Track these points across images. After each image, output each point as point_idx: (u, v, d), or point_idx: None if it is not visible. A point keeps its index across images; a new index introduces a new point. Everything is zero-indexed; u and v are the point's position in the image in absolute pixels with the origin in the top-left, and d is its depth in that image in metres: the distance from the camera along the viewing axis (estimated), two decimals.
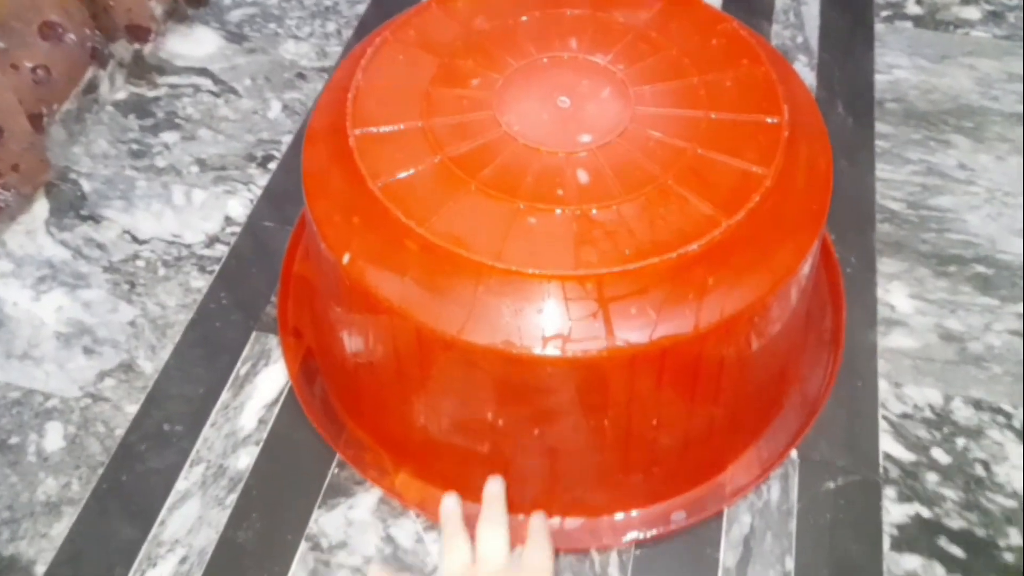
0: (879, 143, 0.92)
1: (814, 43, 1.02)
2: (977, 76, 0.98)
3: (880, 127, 0.93)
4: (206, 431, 0.72)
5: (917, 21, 1.05)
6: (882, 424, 0.71)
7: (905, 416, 0.72)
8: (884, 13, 1.06)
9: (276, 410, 0.73)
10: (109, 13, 0.94)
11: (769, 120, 0.60)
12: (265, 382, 0.75)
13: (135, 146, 0.93)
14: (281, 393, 0.74)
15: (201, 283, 0.81)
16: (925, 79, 0.98)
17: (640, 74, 0.63)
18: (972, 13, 1.05)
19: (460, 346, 0.53)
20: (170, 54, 1.02)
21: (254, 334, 0.78)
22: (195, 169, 0.91)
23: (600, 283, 0.52)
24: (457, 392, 0.59)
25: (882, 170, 0.90)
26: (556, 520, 0.65)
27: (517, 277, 0.52)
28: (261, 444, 0.71)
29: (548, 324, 0.52)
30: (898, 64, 1.00)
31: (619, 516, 0.66)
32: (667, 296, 0.53)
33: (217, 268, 0.83)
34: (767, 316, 0.57)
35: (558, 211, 0.55)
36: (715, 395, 0.60)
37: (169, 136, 0.94)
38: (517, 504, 0.61)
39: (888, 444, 0.70)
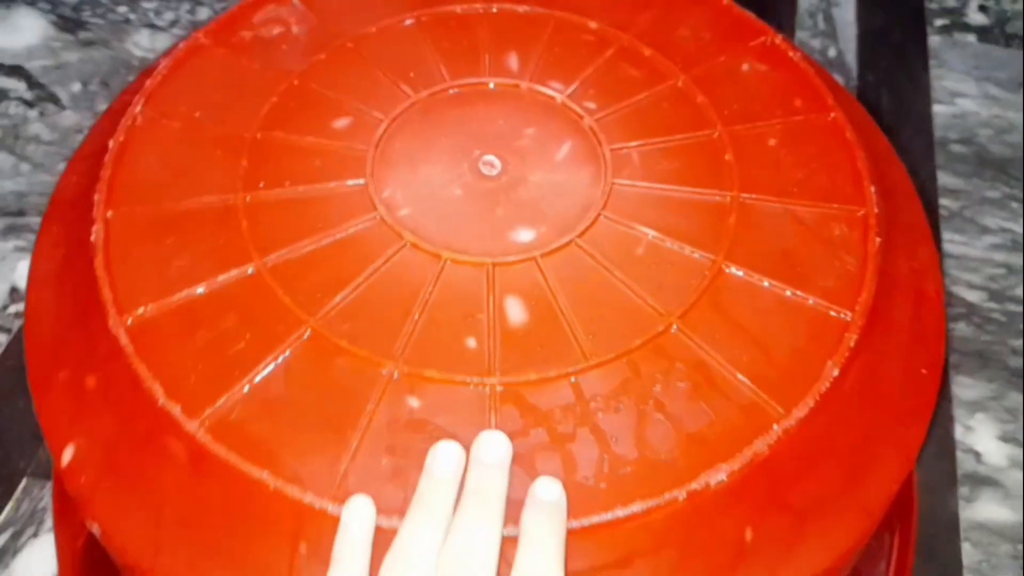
0: (944, 202, 0.67)
1: (851, 59, 0.78)
2: None
3: (945, 179, 0.69)
4: None
5: (982, 34, 0.80)
6: None
7: None
8: (939, 22, 0.81)
9: None
10: None
11: (850, 211, 0.35)
12: (31, 565, 0.48)
13: None
14: None
15: None
16: (999, 113, 0.74)
17: (623, 121, 0.37)
18: None
19: None
20: None
21: (25, 482, 0.51)
22: None
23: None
24: None
25: (951, 242, 0.65)
26: None
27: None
28: None
29: None
30: (962, 91, 0.75)
31: None
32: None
33: None
34: None
35: (468, 386, 0.29)
36: None
37: None
38: None
39: None
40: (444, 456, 0.27)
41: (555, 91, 0.38)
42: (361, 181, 0.35)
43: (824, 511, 0.30)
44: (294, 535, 0.27)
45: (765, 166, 0.36)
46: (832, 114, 0.37)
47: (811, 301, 0.32)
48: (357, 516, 0.27)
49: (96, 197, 0.33)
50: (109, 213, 0.33)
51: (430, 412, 0.29)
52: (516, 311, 0.32)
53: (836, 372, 0.30)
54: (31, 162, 0.67)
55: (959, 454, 0.55)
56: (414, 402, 0.29)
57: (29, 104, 0.70)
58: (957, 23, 0.82)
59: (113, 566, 0.41)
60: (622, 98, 0.38)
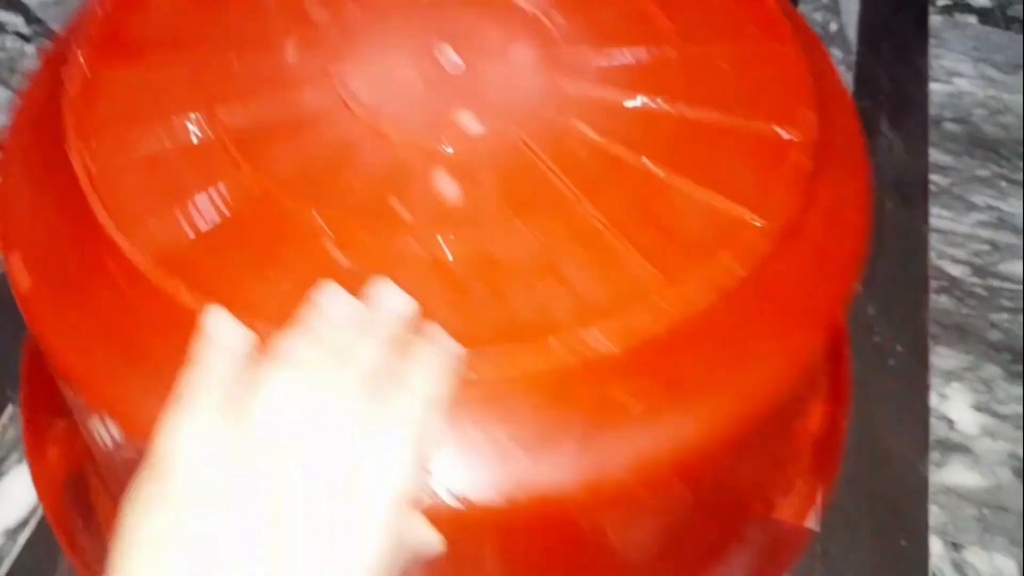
0: (935, 178, 0.68)
1: (852, 34, 0.78)
2: None
3: (936, 156, 0.69)
4: None
5: (984, 16, 0.80)
6: None
7: None
8: (942, 2, 0.81)
9: (22, 539, 0.47)
10: None
11: (782, 134, 0.36)
12: (13, 490, 0.49)
13: None
14: (32, 514, 0.48)
15: None
16: (994, 95, 0.74)
17: (584, 30, 0.38)
18: None
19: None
20: None
21: (10, 409, 0.52)
22: None
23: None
24: None
25: (938, 217, 0.66)
26: None
27: None
28: None
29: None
30: (960, 71, 0.76)
31: None
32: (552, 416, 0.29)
33: None
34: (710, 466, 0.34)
35: (391, 235, 0.32)
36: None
37: None
38: None
39: None
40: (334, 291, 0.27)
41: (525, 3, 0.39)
42: (322, 62, 0.36)
43: (705, 393, 0.31)
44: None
45: (715, 84, 0.38)
46: (786, 46, 0.38)
47: (727, 205, 0.33)
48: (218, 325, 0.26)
49: (75, 49, 0.35)
50: (82, 59, 0.35)
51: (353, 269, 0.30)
52: (448, 185, 0.33)
53: (737, 269, 0.31)
54: None
55: (933, 420, 0.56)
56: (341, 258, 0.31)
57: (26, 39, 0.70)
58: (959, 4, 0.82)
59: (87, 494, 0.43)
60: (586, 10, 0.39)
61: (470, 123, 0.35)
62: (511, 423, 0.29)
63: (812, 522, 0.49)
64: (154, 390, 0.25)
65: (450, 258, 0.31)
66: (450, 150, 0.34)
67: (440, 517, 0.27)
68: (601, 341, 0.29)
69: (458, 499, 0.28)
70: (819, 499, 0.50)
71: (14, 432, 0.51)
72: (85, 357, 0.31)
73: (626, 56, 0.38)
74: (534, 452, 0.29)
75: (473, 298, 0.31)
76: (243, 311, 0.26)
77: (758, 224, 0.33)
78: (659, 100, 0.37)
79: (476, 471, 0.29)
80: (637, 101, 0.37)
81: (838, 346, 0.55)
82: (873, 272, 0.67)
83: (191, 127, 0.34)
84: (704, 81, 0.38)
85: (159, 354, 0.28)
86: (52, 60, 0.38)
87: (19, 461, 0.50)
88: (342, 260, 0.31)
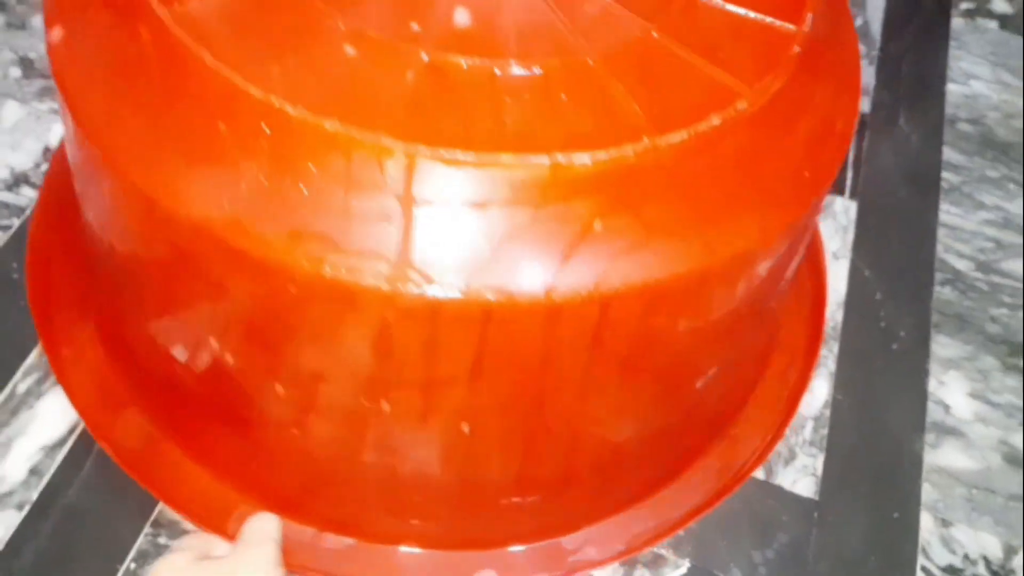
0: (946, 175, 0.70)
1: (876, 29, 0.80)
2: None
3: (949, 154, 0.72)
4: None
5: (1004, 22, 0.82)
6: None
7: (952, 571, 0.52)
8: (965, 5, 0.83)
9: (59, 456, 0.49)
10: None
11: (781, 25, 0.38)
12: (50, 411, 0.50)
13: None
14: (72, 430, 0.50)
15: None
16: (1009, 99, 0.76)
17: None
18: None
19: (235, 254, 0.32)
20: None
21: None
22: (16, 72, 0.64)
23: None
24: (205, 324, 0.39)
25: (947, 213, 0.68)
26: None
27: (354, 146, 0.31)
28: (27, 509, 0.47)
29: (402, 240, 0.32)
30: (977, 74, 0.78)
31: None
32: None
33: (16, 223, 0.57)
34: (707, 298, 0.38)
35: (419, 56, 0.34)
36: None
37: None
38: None
39: None
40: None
41: None
42: None
43: (671, 231, 0.34)
44: (220, 112, 0.32)
45: None
46: None
47: (722, 76, 0.36)
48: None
49: None
50: None
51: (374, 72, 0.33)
52: (463, 17, 0.36)
53: (717, 122, 0.34)
54: None
55: (930, 404, 0.59)
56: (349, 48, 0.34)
57: None
58: (981, 8, 0.84)
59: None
60: None
61: None
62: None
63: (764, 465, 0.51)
64: (173, 148, 0.29)
65: (463, 65, 0.34)
66: None
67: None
68: (582, 161, 0.32)
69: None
70: (776, 438, 0.53)
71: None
72: (111, 120, 0.34)
73: None
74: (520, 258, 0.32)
75: (474, 110, 0.33)
76: (258, 83, 0.29)
77: (745, 97, 0.35)
78: None
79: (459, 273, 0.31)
80: None
81: (818, 301, 0.59)
82: (882, 260, 0.70)
83: None
84: None
85: (181, 115, 0.32)
86: None
87: (57, 385, 0.52)
88: (353, 54, 0.33)
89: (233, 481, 0.47)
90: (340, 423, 0.40)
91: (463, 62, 0.34)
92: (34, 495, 0.48)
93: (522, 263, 0.32)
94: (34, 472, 0.48)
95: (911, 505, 0.54)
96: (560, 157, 0.31)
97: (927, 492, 0.55)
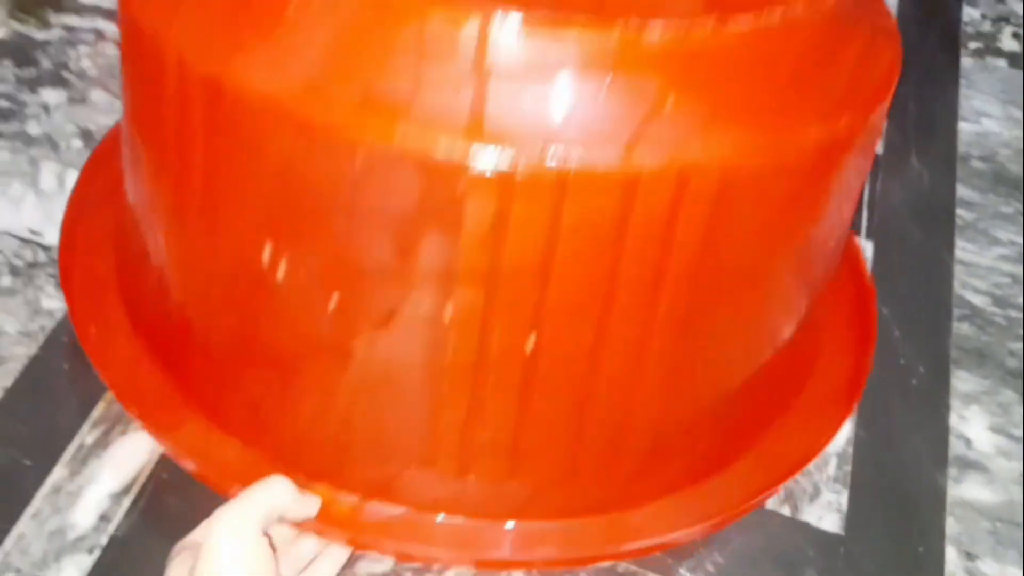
0: (961, 213, 0.73)
1: None
2: None
3: (963, 191, 0.74)
4: (23, 524, 0.51)
5: (1013, 60, 0.85)
6: None
7: None
8: (973, 45, 0.86)
9: (126, 503, 0.53)
10: None
11: None
12: (117, 461, 0.54)
13: (3, 103, 0.71)
14: (136, 478, 0.54)
15: (56, 304, 0.60)
16: (1020, 136, 0.79)
17: None
18: None
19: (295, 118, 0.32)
20: None
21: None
22: (77, 144, 0.69)
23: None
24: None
25: (963, 250, 0.70)
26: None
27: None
28: (97, 553, 0.51)
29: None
30: (988, 112, 0.80)
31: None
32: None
33: None
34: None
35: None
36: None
37: (51, 95, 0.72)
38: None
39: None
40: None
41: None
42: None
43: (742, 118, 0.34)
44: None
45: None
46: None
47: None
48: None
49: None
50: None
51: None
52: None
53: (779, 16, 0.35)
54: None
55: (952, 439, 0.60)
56: None
57: None
58: (990, 47, 0.86)
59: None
60: None
61: None
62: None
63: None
64: (233, 24, 0.30)
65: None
66: None
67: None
68: (653, 34, 0.31)
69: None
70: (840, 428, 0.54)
71: (118, 408, 0.57)
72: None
73: None
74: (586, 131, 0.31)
75: None
76: None
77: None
78: None
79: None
80: None
81: (866, 299, 0.61)
82: (900, 298, 0.72)
83: None
84: None
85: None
86: None
87: (123, 434, 0.55)
88: None
89: (265, 449, 0.46)
90: (397, 337, 0.37)
91: None
92: (103, 539, 0.51)
93: (597, 135, 0.31)
94: (103, 518, 0.52)
95: (936, 539, 0.56)
96: (632, 26, 0.31)
97: (951, 526, 0.57)
